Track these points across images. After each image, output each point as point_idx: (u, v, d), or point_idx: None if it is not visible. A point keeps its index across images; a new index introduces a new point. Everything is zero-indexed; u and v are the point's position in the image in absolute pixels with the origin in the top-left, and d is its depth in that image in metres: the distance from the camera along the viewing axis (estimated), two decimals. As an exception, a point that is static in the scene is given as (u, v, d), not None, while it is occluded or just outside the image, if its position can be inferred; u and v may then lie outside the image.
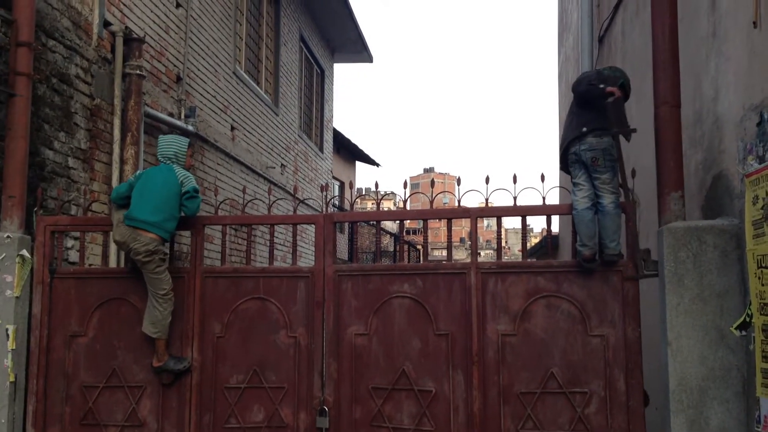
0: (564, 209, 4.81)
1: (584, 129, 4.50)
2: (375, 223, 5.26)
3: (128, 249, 4.88)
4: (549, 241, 5.02)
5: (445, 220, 5.03)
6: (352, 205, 5.24)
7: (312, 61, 15.38)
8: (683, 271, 4.09)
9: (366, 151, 24.98)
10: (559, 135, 11.89)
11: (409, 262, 21.27)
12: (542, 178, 4.76)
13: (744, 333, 3.89)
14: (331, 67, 16.92)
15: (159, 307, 4.83)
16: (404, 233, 5.12)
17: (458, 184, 4.90)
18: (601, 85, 4.50)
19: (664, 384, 4.15)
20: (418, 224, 62.16)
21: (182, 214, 5.04)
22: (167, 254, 4.98)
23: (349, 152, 24.41)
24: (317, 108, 15.93)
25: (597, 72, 4.78)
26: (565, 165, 4.74)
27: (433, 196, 4.98)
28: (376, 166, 26.90)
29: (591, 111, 4.57)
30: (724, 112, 4.24)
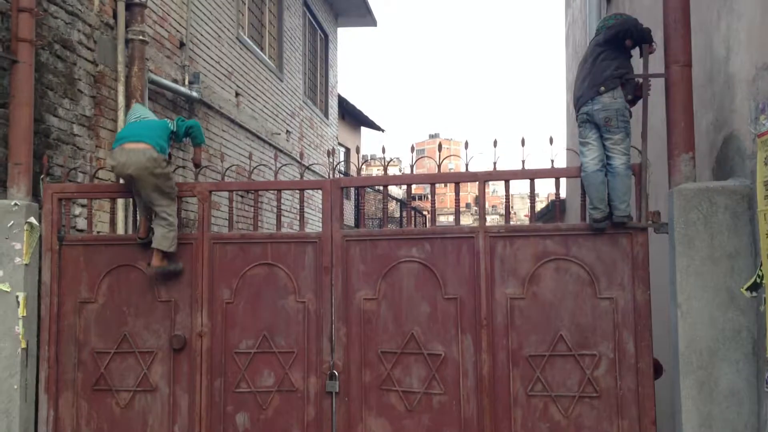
0: (573, 172, 4.77)
1: (601, 89, 4.44)
2: (382, 188, 5.23)
3: (126, 173, 4.90)
4: (557, 205, 4.97)
5: (452, 185, 4.99)
6: (359, 170, 5.21)
7: (316, 25, 15.21)
8: (693, 233, 4.07)
9: (371, 117, 24.88)
10: (567, 97, 11.79)
11: (415, 227, 21.33)
12: (551, 141, 4.72)
13: (755, 294, 3.88)
14: (335, 31, 16.75)
15: (169, 217, 4.95)
16: (411, 199, 5.09)
17: (466, 148, 4.87)
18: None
19: (673, 346, 4.15)
20: (424, 190, 62.06)
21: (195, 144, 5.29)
22: (168, 159, 5.06)
23: (354, 118, 24.30)
24: (322, 74, 15.81)
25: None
26: None
27: (441, 160, 4.95)
28: (381, 132, 26.83)
29: (610, 66, 4.49)
30: (736, 71, 4.17)
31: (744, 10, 4.07)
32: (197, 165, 5.41)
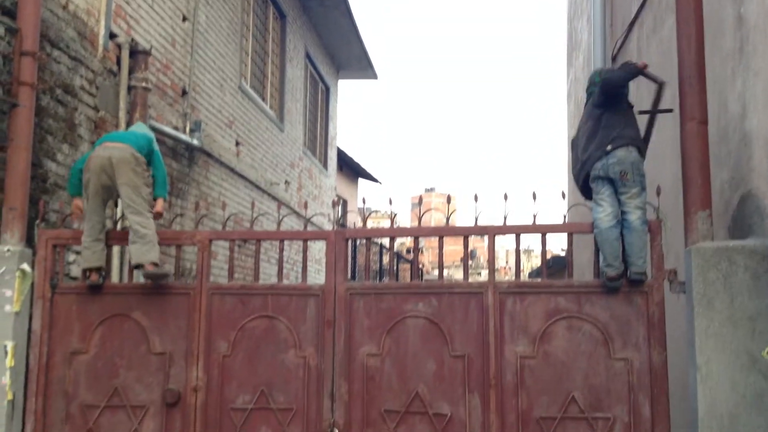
0: (585, 228, 4.63)
1: (609, 147, 4.36)
2: (389, 239, 5.10)
3: (106, 165, 4.78)
4: (570, 262, 4.82)
5: (454, 238, 4.86)
6: (364, 222, 5.08)
7: (317, 77, 15.30)
8: (713, 293, 3.93)
9: (368, 169, 24.91)
10: (568, 155, 11.76)
11: (422, 281, 21.16)
12: (563, 195, 4.64)
13: (777, 358, 3.72)
14: (336, 84, 16.84)
15: (143, 229, 4.77)
16: (417, 251, 4.97)
17: (475, 201, 4.75)
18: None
19: (692, 411, 3.97)
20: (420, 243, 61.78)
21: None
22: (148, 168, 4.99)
23: (351, 169, 24.30)
24: (322, 125, 15.83)
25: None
26: (584, 183, 4.59)
27: (450, 213, 4.83)
28: (378, 183, 26.85)
29: (615, 126, 4.42)
30: (753, 129, 4.10)
31: (761, 67, 4.02)
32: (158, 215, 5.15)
